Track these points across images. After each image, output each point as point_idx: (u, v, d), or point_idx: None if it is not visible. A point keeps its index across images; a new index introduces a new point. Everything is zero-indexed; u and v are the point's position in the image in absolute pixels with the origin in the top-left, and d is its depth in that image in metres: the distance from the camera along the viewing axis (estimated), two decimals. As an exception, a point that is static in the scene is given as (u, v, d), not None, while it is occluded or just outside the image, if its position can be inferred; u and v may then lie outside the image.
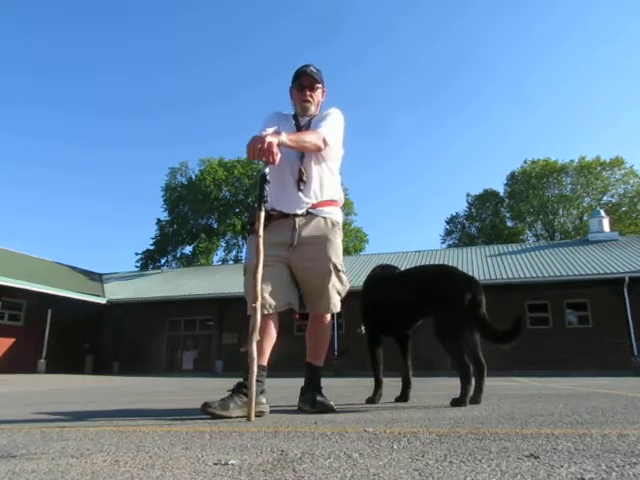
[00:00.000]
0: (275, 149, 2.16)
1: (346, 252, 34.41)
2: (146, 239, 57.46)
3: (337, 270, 2.44)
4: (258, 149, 2.14)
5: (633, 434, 1.49)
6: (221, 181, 36.20)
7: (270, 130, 2.35)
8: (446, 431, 1.60)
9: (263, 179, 2.27)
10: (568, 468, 1.02)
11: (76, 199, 67.08)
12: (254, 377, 2.03)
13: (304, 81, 2.55)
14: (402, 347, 3.08)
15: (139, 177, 64.86)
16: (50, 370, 16.40)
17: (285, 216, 2.40)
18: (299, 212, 2.41)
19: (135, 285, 22.97)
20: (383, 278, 3.22)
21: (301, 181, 2.42)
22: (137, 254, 37.38)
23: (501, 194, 40.75)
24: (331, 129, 2.44)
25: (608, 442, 1.34)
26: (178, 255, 38.53)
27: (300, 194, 2.42)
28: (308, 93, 2.55)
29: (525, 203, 38.74)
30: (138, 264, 36.79)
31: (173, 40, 62.81)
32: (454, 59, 64.04)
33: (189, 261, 37.17)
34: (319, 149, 2.38)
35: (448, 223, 42.88)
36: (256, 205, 2.27)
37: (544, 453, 1.19)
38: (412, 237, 66.00)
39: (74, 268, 24.40)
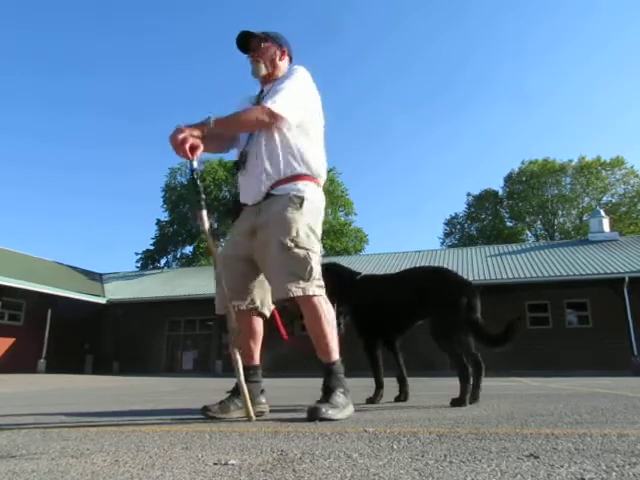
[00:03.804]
0: (188, 144, 2.03)
1: (346, 252, 34.40)
2: (146, 239, 57.58)
3: (288, 248, 2.07)
4: (176, 146, 2.04)
5: (633, 434, 1.49)
6: (221, 181, 36.17)
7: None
8: (446, 431, 1.60)
9: (193, 173, 2.13)
10: (568, 468, 1.02)
11: (76, 199, 67.13)
12: (242, 377, 2.02)
13: (240, 47, 2.39)
14: (391, 346, 3.11)
15: (139, 177, 64.91)
16: (50, 370, 16.39)
17: (253, 204, 2.26)
18: (256, 200, 2.23)
19: (135, 285, 22.96)
20: (377, 279, 3.23)
21: (242, 164, 2.26)
22: (137, 254, 37.40)
23: (500, 194, 40.74)
24: (283, 96, 2.16)
25: (608, 442, 1.34)
26: (178, 255, 38.53)
27: (247, 178, 2.26)
28: (251, 54, 2.38)
29: (525, 203, 38.73)
30: (138, 264, 36.81)
31: (173, 40, 62.84)
32: (454, 59, 64.06)
33: (189, 261, 37.14)
34: (267, 124, 2.16)
35: (447, 224, 42.81)
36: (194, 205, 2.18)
37: (544, 453, 1.19)
38: (412, 237, 66.02)
39: (74, 268, 24.38)
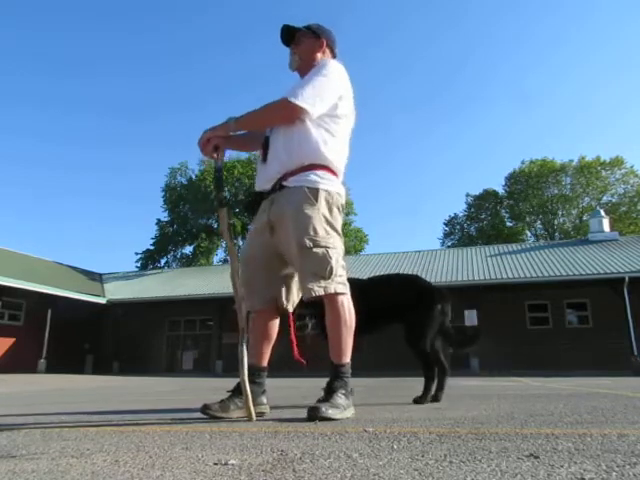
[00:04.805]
0: (211, 144, 2.19)
1: (346, 252, 34.32)
2: (146, 239, 57.63)
3: (307, 248, 2.06)
4: (201, 146, 2.18)
5: (633, 434, 1.49)
6: (221, 181, 36.10)
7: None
8: (446, 431, 1.60)
9: (217, 172, 2.22)
10: (568, 468, 1.02)
11: (76, 199, 67.19)
12: (245, 376, 2.01)
13: (283, 40, 2.40)
14: None
15: (139, 177, 64.98)
16: (50, 370, 16.40)
17: (266, 195, 2.23)
18: (266, 188, 2.23)
19: (135, 285, 22.96)
20: (352, 282, 3.29)
21: (264, 152, 2.25)
22: (137, 254, 37.38)
23: (500, 194, 40.70)
24: (305, 88, 2.13)
25: (608, 442, 1.34)
26: (178, 255, 38.52)
27: (264, 166, 2.25)
28: (291, 47, 2.39)
29: (525, 203, 38.72)
30: (138, 264, 36.80)
31: (173, 39, 62.84)
32: (454, 59, 64.06)
33: (189, 261, 37.13)
34: (287, 117, 2.16)
35: (447, 224, 42.74)
36: (215, 203, 2.17)
37: (544, 453, 1.18)
38: (412, 237, 66.07)
39: (74, 268, 24.39)
